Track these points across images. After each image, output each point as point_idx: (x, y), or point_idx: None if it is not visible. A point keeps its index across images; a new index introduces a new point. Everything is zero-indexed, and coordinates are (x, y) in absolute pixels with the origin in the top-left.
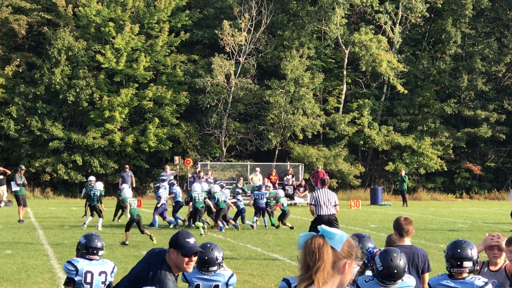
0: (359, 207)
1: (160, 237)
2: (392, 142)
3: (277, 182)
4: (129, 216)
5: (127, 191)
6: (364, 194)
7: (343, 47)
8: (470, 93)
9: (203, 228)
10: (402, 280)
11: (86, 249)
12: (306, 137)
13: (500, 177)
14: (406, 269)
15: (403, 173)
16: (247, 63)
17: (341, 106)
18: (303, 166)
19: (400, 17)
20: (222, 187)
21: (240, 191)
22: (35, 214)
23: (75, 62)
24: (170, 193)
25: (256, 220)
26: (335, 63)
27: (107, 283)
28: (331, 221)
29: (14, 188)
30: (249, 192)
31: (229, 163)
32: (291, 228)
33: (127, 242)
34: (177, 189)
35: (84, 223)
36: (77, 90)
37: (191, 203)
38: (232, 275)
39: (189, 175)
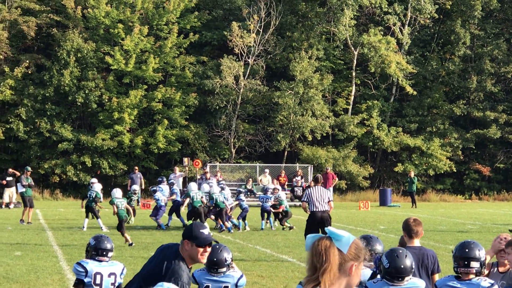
0: (368, 209)
1: (168, 237)
2: (401, 143)
3: (286, 183)
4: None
5: (116, 191)
6: (373, 195)
7: (352, 48)
8: (479, 94)
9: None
10: (411, 279)
11: (96, 250)
12: (315, 138)
13: (509, 178)
14: (413, 268)
15: (412, 174)
16: (256, 64)
17: (350, 107)
18: (312, 168)
19: (409, 18)
20: (222, 188)
21: (243, 190)
22: (44, 216)
23: (84, 64)
24: (171, 193)
25: (266, 223)
26: (344, 64)
27: (116, 284)
28: (324, 218)
29: (20, 189)
30: (258, 193)
31: (238, 165)
32: (291, 228)
33: (131, 242)
34: (177, 189)
35: (83, 226)
36: (86, 92)
37: (187, 200)
38: (241, 276)
39: (198, 177)
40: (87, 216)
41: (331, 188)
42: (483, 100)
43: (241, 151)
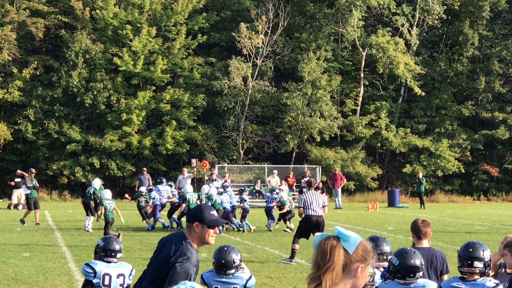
0: (376, 209)
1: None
2: (410, 144)
3: (295, 184)
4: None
5: (106, 192)
6: (382, 196)
7: (360, 49)
8: (487, 95)
9: None
10: (423, 280)
11: (104, 251)
12: (323, 139)
13: None
14: (423, 264)
15: (420, 175)
16: (264, 65)
17: (358, 108)
18: (320, 169)
19: (417, 19)
20: (224, 188)
21: (246, 190)
22: (52, 217)
23: (93, 65)
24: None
25: (272, 223)
26: (352, 65)
27: (125, 285)
28: (319, 223)
29: (25, 191)
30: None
31: (246, 166)
32: (291, 229)
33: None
34: (175, 191)
35: (87, 226)
36: (95, 93)
37: (184, 205)
38: (250, 277)
39: (206, 178)
40: (87, 214)
41: (339, 189)
42: (491, 101)
43: (250, 152)
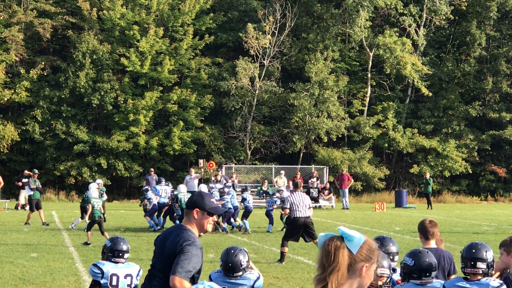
0: (383, 210)
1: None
2: (417, 145)
3: (302, 185)
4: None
5: (93, 191)
6: (389, 196)
7: (368, 49)
8: (495, 95)
9: None
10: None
11: (112, 252)
12: (330, 139)
13: None
14: (436, 263)
15: (427, 175)
16: (272, 66)
17: (365, 108)
18: (327, 169)
19: (424, 19)
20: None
21: (248, 189)
22: (60, 217)
23: (100, 66)
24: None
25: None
26: (359, 65)
27: (132, 286)
28: (307, 224)
29: (28, 192)
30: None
31: (253, 166)
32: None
33: (89, 242)
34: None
35: (73, 225)
36: (102, 93)
37: (176, 204)
38: (258, 278)
39: (213, 178)
40: (82, 217)
41: (347, 190)
42: (498, 101)
43: (257, 152)
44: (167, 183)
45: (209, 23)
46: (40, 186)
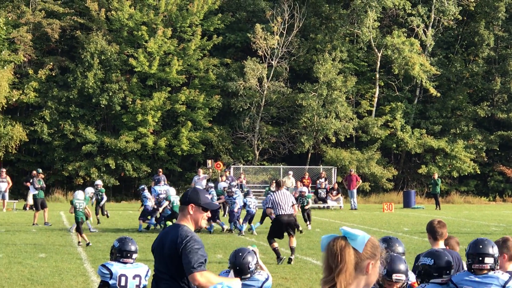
0: (392, 210)
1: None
2: (425, 145)
3: (310, 185)
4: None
5: (78, 193)
6: (397, 197)
7: (376, 50)
8: (503, 95)
9: None
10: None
11: (120, 252)
12: (338, 140)
13: None
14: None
15: (436, 176)
16: (280, 66)
17: (373, 109)
18: (336, 170)
19: (432, 20)
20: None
21: (250, 191)
22: (68, 218)
23: (108, 66)
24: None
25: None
26: (367, 66)
27: (141, 286)
28: (291, 222)
29: (33, 191)
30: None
31: (261, 167)
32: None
33: (88, 242)
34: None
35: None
36: (110, 94)
37: (165, 205)
38: (267, 279)
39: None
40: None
41: (355, 190)
42: (507, 101)
43: (265, 153)
44: (166, 184)
45: (217, 24)
46: (44, 185)
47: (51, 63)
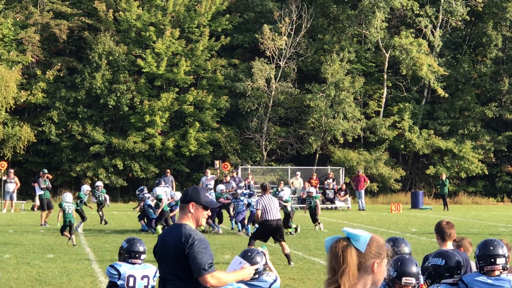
0: (399, 211)
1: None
2: (433, 146)
3: (318, 186)
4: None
5: (66, 195)
6: (405, 198)
7: (384, 50)
8: (511, 96)
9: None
10: None
11: (128, 253)
12: (346, 141)
13: None
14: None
15: (444, 177)
16: (288, 67)
17: (381, 110)
18: (343, 170)
19: (440, 20)
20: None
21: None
22: (77, 218)
23: (116, 67)
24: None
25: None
26: (375, 67)
27: (149, 287)
28: (279, 226)
29: (39, 192)
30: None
31: (269, 167)
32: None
33: (70, 243)
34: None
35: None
36: (118, 95)
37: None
38: (274, 280)
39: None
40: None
41: (363, 191)
42: None
43: (273, 153)
44: (167, 185)
45: (225, 24)
46: (50, 186)
47: (59, 64)
